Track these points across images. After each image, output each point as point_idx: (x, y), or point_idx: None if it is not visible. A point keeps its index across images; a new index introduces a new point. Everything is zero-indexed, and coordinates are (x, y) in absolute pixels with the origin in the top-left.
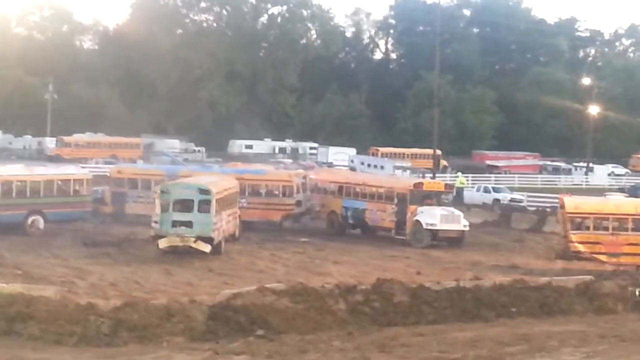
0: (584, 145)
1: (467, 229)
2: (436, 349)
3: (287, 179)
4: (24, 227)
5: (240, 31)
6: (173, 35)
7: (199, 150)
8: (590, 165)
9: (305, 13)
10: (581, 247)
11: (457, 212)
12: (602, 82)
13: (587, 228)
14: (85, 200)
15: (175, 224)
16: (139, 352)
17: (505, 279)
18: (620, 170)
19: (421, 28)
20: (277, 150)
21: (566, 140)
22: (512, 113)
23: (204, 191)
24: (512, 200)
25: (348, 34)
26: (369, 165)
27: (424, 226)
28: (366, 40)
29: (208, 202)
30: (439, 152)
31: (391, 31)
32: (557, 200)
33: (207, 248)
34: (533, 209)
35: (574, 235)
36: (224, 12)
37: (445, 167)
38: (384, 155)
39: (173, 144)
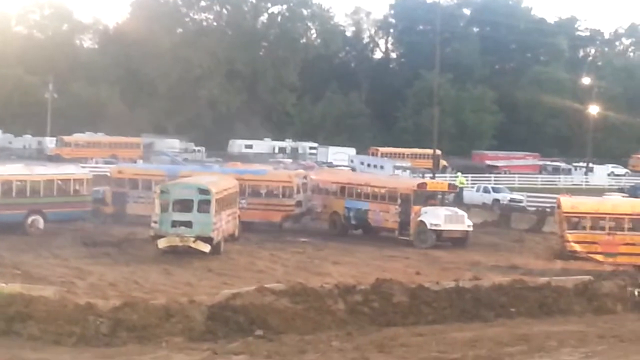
0: (583, 145)
1: (471, 229)
2: (435, 349)
3: (287, 180)
4: (23, 226)
5: (241, 30)
6: (173, 34)
7: (198, 150)
8: (590, 165)
9: (305, 12)
10: (577, 247)
11: (460, 212)
12: (602, 82)
13: (584, 228)
14: (85, 200)
15: (174, 224)
16: (138, 352)
17: (504, 279)
18: (620, 170)
19: (421, 27)
20: (277, 150)
21: (566, 140)
22: (512, 112)
23: (204, 191)
24: (511, 200)
25: (348, 33)
26: (368, 165)
27: (428, 227)
28: (366, 40)
29: (208, 202)
30: (438, 152)
31: (391, 30)
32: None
33: (206, 248)
34: (533, 209)
35: (571, 235)
36: (224, 11)
37: (445, 167)
38: (383, 155)
39: (173, 144)
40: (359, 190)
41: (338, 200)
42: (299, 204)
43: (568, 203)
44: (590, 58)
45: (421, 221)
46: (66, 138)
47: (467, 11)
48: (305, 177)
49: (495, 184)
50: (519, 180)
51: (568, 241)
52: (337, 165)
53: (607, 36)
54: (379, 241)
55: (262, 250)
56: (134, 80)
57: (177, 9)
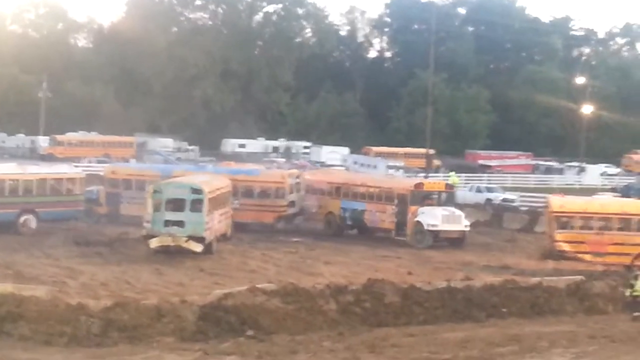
0: (577, 145)
1: (468, 229)
2: (427, 349)
3: (280, 180)
4: (16, 226)
5: (236, 29)
6: (168, 33)
7: (192, 149)
8: (583, 164)
9: (300, 11)
10: (566, 247)
11: (458, 212)
12: (596, 81)
13: (572, 227)
14: (78, 199)
15: (167, 223)
16: (130, 352)
17: (496, 280)
18: (613, 169)
19: (416, 26)
20: (270, 149)
21: (559, 140)
22: (505, 112)
23: (196, 190)
24: (504, 200)
25: (343, 33)
26: (362, 165)
27: (426, 227)
28: (361, 39)
29: (200, 201)
30: (432, 151)
31: (386, 29)
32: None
33: (198, 248)
34: (525, 209)
35: (559, 235)
36: (219, 10)
37: (438, 167)
38: (377, 154)
39: (166, 143)
40: (355, 191)
41: (334, 200)
42: (291, 204)
43: (557, 203)
44: (585, 57)
45: (418, 222)
46: (59, 137)
47: (462, 10)
48: (298, 177)
49: (488, 183)
50: (511, 180)
51: (557, 241)
52: (330, 165)
53: (601, 36)
54: (371, 241)
55: (254, 250)
56: (128, 79)
57: (172, 8)
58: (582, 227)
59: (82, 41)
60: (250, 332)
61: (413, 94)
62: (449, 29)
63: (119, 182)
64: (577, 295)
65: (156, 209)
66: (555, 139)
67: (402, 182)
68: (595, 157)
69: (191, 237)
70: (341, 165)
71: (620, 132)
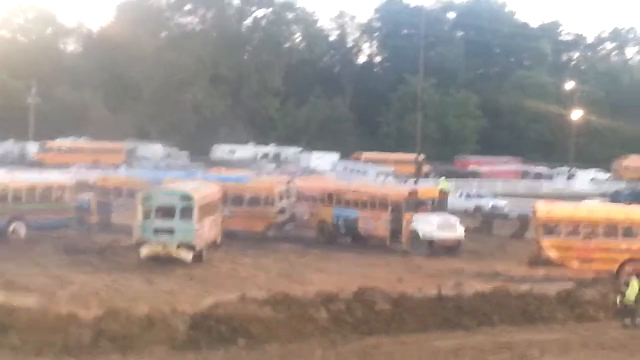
0: (566, 150)
1: (463, 235)
2: (418, 357)
3: (269, 187)
4: (5, 234)
5: (225, 34)
6: (157, 37)
7: (182, 155)
8: (573, 170)
9: (289, 16)
10: (553, 253)
11: (453, 218)
12: (585, 86)
13: (559, 234)
14: (68, 207)
15: (157, 231)
16: None
17: (486, 287)
18: (603, 175)
19: (406, 31)
20: (260, 155)
21: (549, 145)
22: (495, 117)
23: (186, 198)
24: (493, 206)
25: (332, 37)
26: (351, 171)
27: (421, 235)
28: (350, 44)
29: (190, 209)
30: (422, 157)
31: (375, 34)
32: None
33: (188, 256)
34: (515, 215)
35: (546, 241)
36: (209, 15)
37: (428, 173)
38: (366, 160)
39: (156, 149)
40: (347, 198)
41: (326, 207)
42: (282, 211)
43: (543, 209)
44: (574, 62)
45: (413, 229)
46: (49, 143)
47: (451, 15)
48: (288, 184)
49: (477, 189)
50: (501, 186)
51: (543, 247)
52: (320, 171)
53: (590, 41)
54: (361, 248)
55: (245, 257)
56: (118, 84)
57: (161, 13)
58: (568, 234)
59: (71, 46)
60: (241, 341)
61: (402, 99)
62: (439, 34)
63: (110, 190)
64: (568, 303)
65: (146, 216)
66: (545, 144)
67: (396, 189)
68: (585, 162)
69: (181, 245)
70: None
71: (610, 138)
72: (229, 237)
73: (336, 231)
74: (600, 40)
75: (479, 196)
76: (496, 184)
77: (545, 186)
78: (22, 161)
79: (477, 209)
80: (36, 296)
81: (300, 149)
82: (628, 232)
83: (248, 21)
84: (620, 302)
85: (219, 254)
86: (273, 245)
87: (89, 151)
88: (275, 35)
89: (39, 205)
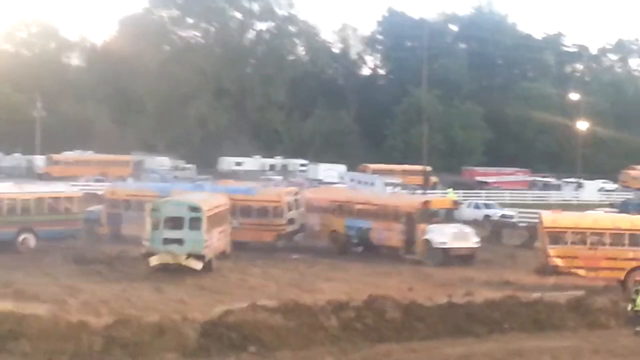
0: (573, 161)
1: (478, 246)
2: None
3: (278, 199)
4: (14, 245)
5: (228, 47)
6: (160, 51)
7: (189, 168)
8: (581, 180)
9: (292, 29)
10: (559, 262)
11: (467, 228)
12: (589, 97)
13: (565, 243)
14: (76, 218)
15: (166, 241)
16: None
17: (497, 295)
18: (611, 185)
19: (409, 44)
20: (267, 168)
21: (556, 156)
22: (500, 128)
23: (195, 209)
24: (502, 216)
25: (336, 50)
26: (359, 182)
27: (435, 245)
28: (354, 56)
29: (199, 219)
30: (429, 168)
31: (379, 47)
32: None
33: (198, 265)
34: (524, 224)
35: (552, 250)
36: (212, 28)
37: (435, 184)
38: (374, 172)
39: (163, 162)
40: (359, 209)
41: (337, 218)
42: (290, 221)
43: (549, 218)
44: (578, 74)
45: (428, 240)
46: (55, 156)
47: (454, 27)
48: (296, 195)
49: (485, 200)
50: (509, 197)
51: (550, 256)
52: (329, 183)
53: (594, 52)
54: (371, 258)
55: (254, 267)
56: (121, 98)
57: (164, 27)
58: (574, 242)
59: (74, 60)
60: (252, 349)
61: (407, 111)
62: (442, 46)
63: (119, 202)
64: (579, 310)
65: (155, 227)
66: (552, 155)
67: (409, 200)
68: (592, 173)
69: (190, 255)
70: (340, 183)
71: (615, 148)
72: (239, 248)
73: (349, 241)
74: (604, 52)
75: (487, 206)
76: (504, 195)
77: (553, 196)
78: (29, 174)
79: (486, 219)
80: (46, 305)
81: (306, 161)
82: (634, 241)
83: (251, 35)
84: (631, 309)
85: (229, 264)
86: (282, 255)
87: (95, 164)
88: (279, 49)
89: (47, 216)
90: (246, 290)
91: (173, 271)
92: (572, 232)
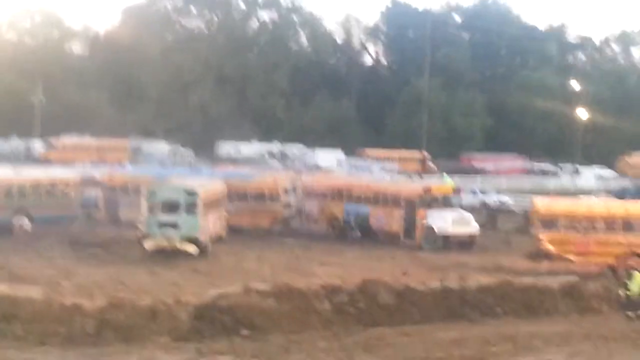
0: (573, 148)
1: (477, 231)
2: (421, 348)
3: (274, 183)
4: (10, 228)
5: (231, 36)
6: (163, 40)
7: (187, 153)
8: (577, 167)
9: (296, 19)
10: (551, 247)
11: (466, 214)
12: (591, 86)
13: (557, 228)
14: (73, 202)
15: (161, 225)
16: (124, 351)
17: (490, 280)
18: (608, 172)
19: (412, 34)
20: (265, 153)
21: (555, 143)
22: (501, 116)
23: (190, 193)
24: (498, 202)
25: (339, 40)
26: (356, 168)
27: (436, 231)
28: (357, 46)
29: (194, 203)
30: (425, 154)
31: (382, 37)
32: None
33: (193, 249)
34: (520, 210)
35: (544, 235)
36: (215, 17)
37: (432, 170)
38: (371, 157)
39: (161, 147)
40: (359, 194)
41: (336, 204)
42: (287, 206)
43: (541, 204)
44: (580, 64)
45: (428, 225)
46: (54, 141)
47: (457, 17)
48: (294, 180)
49: (482, 186)
50: (506, 183)
51: (541, 241)
52: (326, 168)
53: (597, 43)
54: (367, 242)
55: (249, 251)
56: (123, 85)
57: (167, 16)
58: (566, 228)
59: (78, 49)
60: (244, 332)
61: (408, 99)
62: (445, 36)
63: (117, 187)
64: (572, 296)
65: (151, 211)
66: (552, 143)
67: (410, 185)
68: (591, 160)
69: (186, 239)
70: (338, 169)
71: (615, 136)
72: (235, 232)
73: (347, 227)
74: (607, 43)
75: (483, 192)
76: (501, 181)
77: (550, 183)
78: (27, 158)
79: (482, 204)
80: (40, 287)
81: (304, 147)
82: (627, 227)
83: (254, 24)
84: (623, 294)
85: (224, 248)
86: (278, 240)
87: (93, 148)
88: (282, 38)
89: (43, 200)
90: (241, 273)
91: (168, 255)
92: (565, 218)
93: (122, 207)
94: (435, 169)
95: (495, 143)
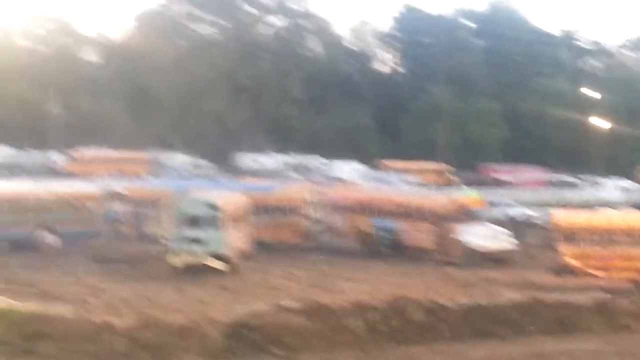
0: (590, 158)
1: (513, 246)
2: None
3: (299, 196)
4: (35, 243)
5: (244, 43)
6: (177, 47)
7: (207, 166)
8: (598, 178)
9: (309, 25)
10: (572, 261)
11: (501, 229)
12: (605, 94)
13: (578, 242)
14: (96, 217)
15: (186, 240)
16: None
17: (520, 296)
18: (629, 183)
19: (425, 40)
20: (284, 165)
21: (573, 153)
22: (516, 125)
23: (216, 208)
24: (522, 214)
25: (352, 47)
26: (377, 180)
27: (471, 247)
28: (370, 53)
29: (219, 218)
30: (447, 166)
31: (395, 43)
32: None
33: (218, 265)
34: (543, 224)
35: (565, 249)
36: (228, 24)
37: (454, 183)
38: (391, 169)
39: (181, 159)
40: (388, 209)
41: (363, 218)
42: (310, 220)
43: (561, 217)
44: (594, 70)
45: (463, 241)
46: (74, 154)
47: (470, 24)
48: (316, 192)
49: (503, 198)
50: (527, 195)
51: (563, 255)
52: (346, 180)
53: (611, 49)
54: (392, 257)
55: (274, 267)
56: (138, 93)
57: (180, 22)
58: (587, 242)
59: (91, 56)
60: (275, 351)
61: (424, 107)
62: (459, 43)
63: (142, 200)
64: (603, 313)
65: (175, 226)
66: (569, 152)
67: (440, 199)
68: (609, 170)
69: (210, 254)
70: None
71: (633, 145)
72: (260, 247)
73: (376, 242)
74: (621, 48)
75: (507, 205)
76: (522, 193)
77: (572, 195)
78: (46, 171)
79: (505, 217)
80: (70, 305)
81: (323, 158)
82: None
83: (267, 31)
84: None
85: (249, 263)
86: (304, 255)
87: (113, 161)
88: (295, 45)
89: (66, 215)
90: (267, 290)
91: (193, 270)
92: (585, 231)
93: (147, 222)
94: (456, 181)
95: (512, 153)
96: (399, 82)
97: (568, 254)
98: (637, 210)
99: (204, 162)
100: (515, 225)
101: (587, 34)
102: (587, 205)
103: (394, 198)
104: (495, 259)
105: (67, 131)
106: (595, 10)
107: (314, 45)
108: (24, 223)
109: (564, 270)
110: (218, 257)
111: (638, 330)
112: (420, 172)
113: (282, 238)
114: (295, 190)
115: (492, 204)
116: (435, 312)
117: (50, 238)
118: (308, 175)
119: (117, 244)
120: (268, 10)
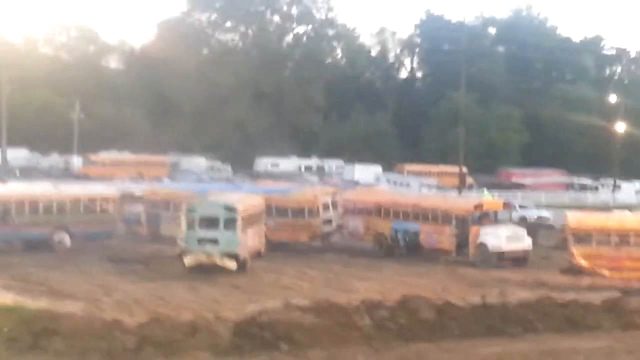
0: (611, 163)
1: (531, 247)
2: None
3: (314, 199)
4: (50, 244)
5: (266, 51)
6: (199, 54)
7: (225, 169)
8: (617, 182)
9: (330, 32)
10: (584, 262)
11: (520, 230)
12: (628, 100)
13: (590, 243)
14: (112, 218)
15: (201, 241)
16: None
17: (531, 295)
18: None
19: (447, 47)
20: (303, 168)
21: (593, 158)
22: (538, 131)
23: (230, 208)
24: (538, 217)
25: (373, 53)
26: (395, 183)
27: (490, 248)
28: (391, 60)
29: (234, 219)
30: (465, 169)
31: (416, 50)
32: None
33: (232, 265)
34: (560, 226)
35: (577, 250)
36: (250, 31)
37: (471, 185)
38: (409, 172)
39: (199, 162)
40: (407, 211)
41: (382, 221)
42: (326, 222)
43: (574, 218)
44: (617, 77)
45: (482, 243)
46: (93, 157)
47: (492, 30)
48: (333, 195)
49: (521, 201)
50: (545, 198)
51: (575, 256)
52: (365, 183)
53: (633, 55)
54: (406, 258)
55: (288, 267)
56: (160, 100)
57: (202, 30)
58: (599, 243)
59: (113, 63)
60: (285, 347)
61: (444, 113)
62: (480, 49)
63: (158, 202)
64: (614, 311)
65: (190, 227)
66: (589, 157)
67: (460, 203)
68: (630, 174)
69: (225, 255)
70: (376, 184)
71: None
72: (274, 248)
73: (395, 244)
74: None
75: (523, 207)
76: (541, 196)
77: (590, 198)
78: (66, 174)
79: (522, 219)
80: (81, 303)
81: (342, 162)
82: None
83: (289, 38)
84: None
85: (263, 263)
86: (318, 255)
87: (132, 164)
88: (316, 52)
89: (83, 216)
90: (280, 289)
91: (207, 271)
92: (597, 233)
93: (164, 223)
94: (475, 184)
95: (532, 157)
96: (420, 88)
97: (581, 255)
98: None
99: (222, 166)
100: (531, 227)
101: (609, 41)
102: (605, 208)
103: (415, 201)
104: (513, 260)
105: (89, 137)
106: (617, 17)
107: (337, 53)
108: (42, 224)
109: (574, 270)
110: (232, 257)
111: None
112: (438, 174)
113: (298, 239)
114: (312, 193)
115: (510, 206)
116: (446, 310)
117: (66, 238)
118: (328, 178)
119: (132, 245)
120: (292, 19)
